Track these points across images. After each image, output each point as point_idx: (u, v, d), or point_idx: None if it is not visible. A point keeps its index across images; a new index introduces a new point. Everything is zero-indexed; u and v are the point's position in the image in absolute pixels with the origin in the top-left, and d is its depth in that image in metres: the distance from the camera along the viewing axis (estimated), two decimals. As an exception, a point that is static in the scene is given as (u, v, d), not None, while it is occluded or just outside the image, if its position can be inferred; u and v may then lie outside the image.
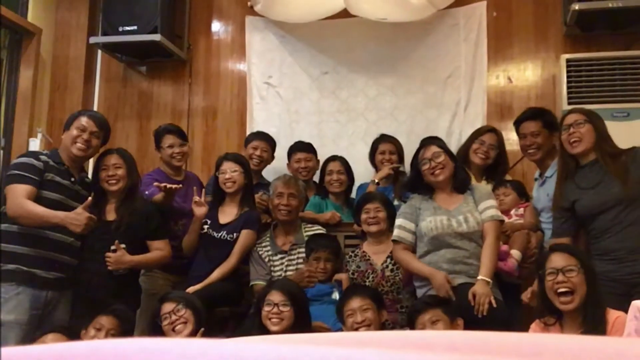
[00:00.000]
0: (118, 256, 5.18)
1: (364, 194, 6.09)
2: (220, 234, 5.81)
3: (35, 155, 5.30)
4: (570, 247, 4.59)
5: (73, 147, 5.30)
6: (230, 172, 5.85)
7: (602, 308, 4.18)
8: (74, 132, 5.31)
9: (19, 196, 4.96)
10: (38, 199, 5.04)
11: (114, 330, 4.77)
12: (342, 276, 5.57)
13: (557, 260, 4.29)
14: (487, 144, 6.05)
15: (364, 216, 5.66)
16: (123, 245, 5.21)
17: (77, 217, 4.87)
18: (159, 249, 5.55)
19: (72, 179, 5.34)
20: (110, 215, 5.45)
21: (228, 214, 5.92)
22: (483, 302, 4.70)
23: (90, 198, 5.12)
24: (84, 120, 5.36)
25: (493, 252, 5.00)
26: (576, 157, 5.10)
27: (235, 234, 5.79)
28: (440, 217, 5.08)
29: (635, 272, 4.75)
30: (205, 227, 5.85)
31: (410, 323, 4.74)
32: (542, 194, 5.68)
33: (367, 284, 5.42)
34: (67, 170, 5.33)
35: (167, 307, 4.86)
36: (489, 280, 4.84)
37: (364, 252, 5.64)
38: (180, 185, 5.92)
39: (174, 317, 4.81)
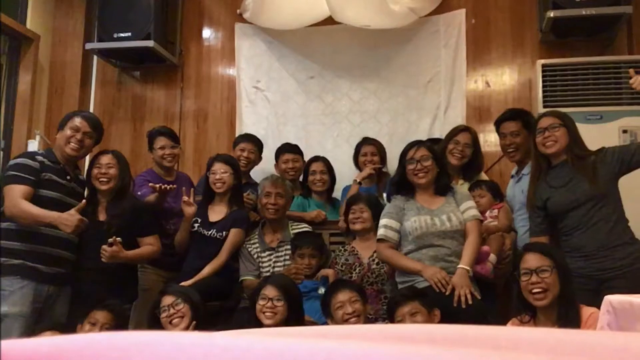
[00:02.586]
0: (114, 250, 5.05)
1: (352, 195, 6.03)
2: (210, 232, 5.77)
3: (31, 155, 5.24)
4: (544, 247, 4.51)
5: (67, 147, 5.25)
6: (221, 172, 5.82)
7: (575, 305, 4.14)
8: (67, 132, 5.26)
9: (16, 196, 4.92)
10: (36, 198, 5.01)
11: (108, 324, 4.72)
12: (328, 272, 5.54)
13: (531, 260, 4.25)
14: (462, 144, 5.96)
15: (350, 216, 5.71)
16: (119, 239, 5.11)
17: (69, 218, 4.84)
18: (149, 244, 5.48)
19: (68, 177, 5.30)
20: (103, 215, 5.39)
21: (218, 212, 5.88)
22: (463, 294, 4.67)
23: (84, 201, 5.08)
24: (77, 121, 5.31)
25: (475, 247, 4.97)
26: (548, 157, 5.09)
27: (224, 232, 5.75)
28: (424, 217, 5.02)
29: (604, 268, 4.70)
30: (196, 225, 5.81)
31: (389, 315, 4.71)
32: (517, 190, 5.61)
33: (353, 275, 5.44)
34: (63, 169, 5.29)
35: (167, 300, 4.80)
36: (468, 268, 4.83)
37: (352, 247, 5.66)
38: (174, 186, 5.90)
39: (172, 311, 4.74)
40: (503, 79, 7.49)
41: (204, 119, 8.08)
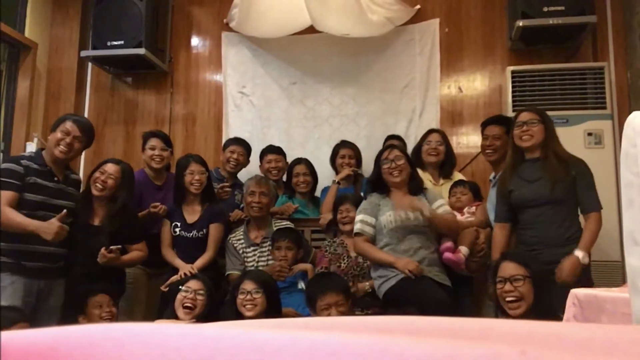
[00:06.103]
0: (112, 257, 5.09)
1: (339, 197, 6.02)
2: (191, 234, 5.74)
3: (17, 160, 5.11)
4: (520, 256, 4.38)
5: (56, 150, 5.12)
6: (199, 174, 5.76)
7: (555, 315, 3.75)
8: (58, 134, 5.12)
9: (2, 203, 4.85)
10: (21, 201, 4.92)
11: (112, 302, 4.94)
12: (307, 267, 5.61)
13: (506, 269, 4.18)
14: (433, 142, 6.03)
15: (338, 216, 5.74)
16: (119, 247, 5.16)
17: (49, 226, 4.79)
18: (139, 249, 5.50)
19: (55, 179, 5.17)
20: (96, 219, 5.35)
21: (193, 212, 5.82)
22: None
23: (65, 211, 4.95)
24: (68, 125, 5.16)
25: (449, 219, 5.32)
26: (523, 151, 5.02)
27: (204, 230, 5.75)
28: (398, 212, 5.06)
29: (545, 261, 4.61)
30: (177, 230, 5.75)
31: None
32: (494, 193, 5.62)
33: (342, 264, 5.48)
34: (50, 171, 5.15)
35: (193, 284, 4.93)
36: (430, 217, 5.11)
37: (342, 240, 5.68)
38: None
39: (190, 296, 4.85)
40: (475, 85, 7.46)
41: (193, 123, 8.01)
